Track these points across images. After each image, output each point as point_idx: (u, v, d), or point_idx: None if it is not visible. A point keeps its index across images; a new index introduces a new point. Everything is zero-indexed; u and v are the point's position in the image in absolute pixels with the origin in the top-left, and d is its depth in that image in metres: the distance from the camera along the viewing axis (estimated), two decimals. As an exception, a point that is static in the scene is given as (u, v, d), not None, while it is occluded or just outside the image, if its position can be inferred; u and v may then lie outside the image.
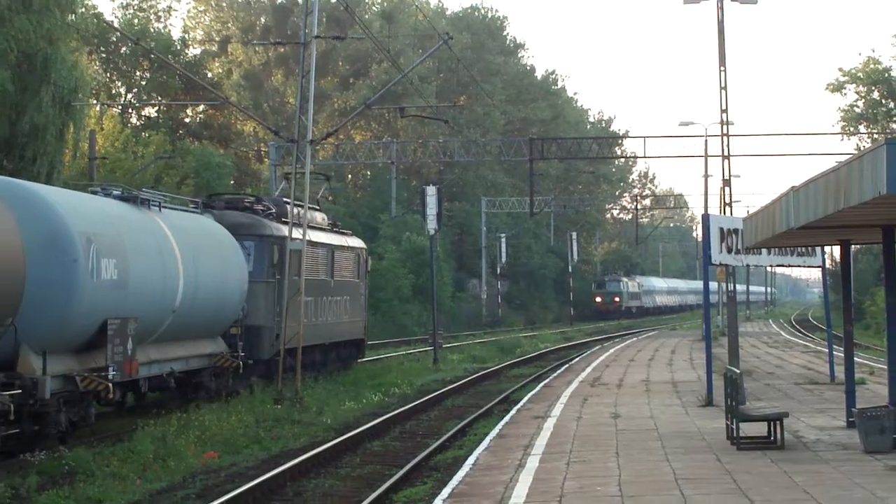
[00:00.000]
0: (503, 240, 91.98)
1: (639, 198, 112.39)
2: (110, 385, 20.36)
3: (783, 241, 20.71)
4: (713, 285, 47.62)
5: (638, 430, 19.42)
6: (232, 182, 65.85)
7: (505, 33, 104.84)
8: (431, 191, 45.05)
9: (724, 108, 34.43)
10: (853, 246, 23.57)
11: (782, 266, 30.57)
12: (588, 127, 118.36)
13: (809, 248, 25.33)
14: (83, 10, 47.99)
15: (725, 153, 35.50)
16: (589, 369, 35.61)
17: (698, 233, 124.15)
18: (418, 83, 75.93)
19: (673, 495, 13.11)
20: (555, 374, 34.81)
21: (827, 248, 31.90)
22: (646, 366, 36.94)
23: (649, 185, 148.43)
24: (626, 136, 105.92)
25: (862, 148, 59.64)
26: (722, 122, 34.97)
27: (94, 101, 55.36)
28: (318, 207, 36.76)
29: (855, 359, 19.98)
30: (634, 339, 61.55)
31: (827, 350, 31.33)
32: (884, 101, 78.28)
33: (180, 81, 65.54)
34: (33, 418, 18.97)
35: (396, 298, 66.52)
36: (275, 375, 28.85)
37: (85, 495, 16.39)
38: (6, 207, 18.95)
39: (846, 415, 18.65)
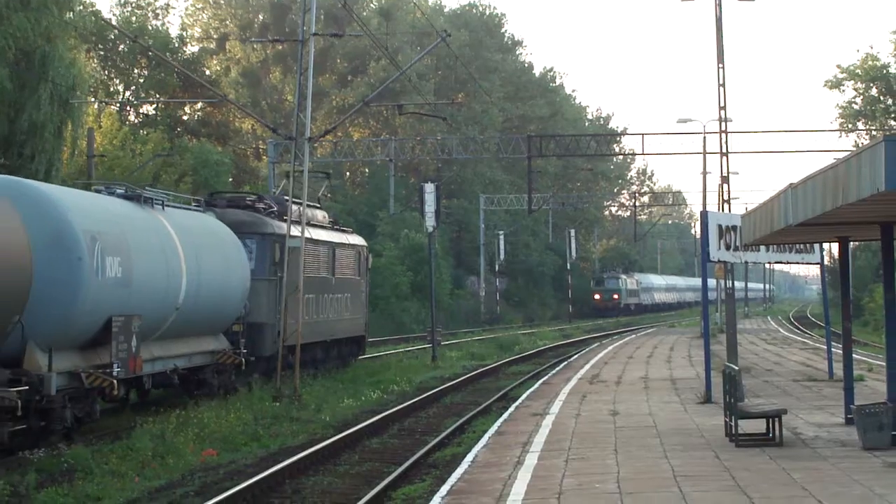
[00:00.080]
0: (501, 237, 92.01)
1: (637, 195, 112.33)
2: (115, 382, 20.64)
3: (781, 238, 20.72)
4: (711, 282, 47.63)
5: (636, 427, 19.42)
6: (230, 180, 65.80)
7: (503, 31, 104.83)
8: (430, 188, 45.06)
9: (722, 104, 34.48)
10: (851, 243, 23.60)
11: (781, 263, 30.64)
12: (586, 124, 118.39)
13: (808, 245, 25.34)
14: (81, 7, 48.00)
15: (724, 150, 35.55)
16: (587, 366, 35.62)
17: (697, 230, 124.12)
18: (416, 80, 75.83)
19: (671, 492, 13.12)
20: (553, 372, 34.83)
21: (825, 245, 31.89)
22: (644, 363, 36.95)
23: (648, 182, 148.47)
24: (624, 133, 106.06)
25: (860, 145, 59.61)
26: (720, 119, 35.03)
27: (93, 99, 55.26)
28: (319, 205, 36.92)
29: (853, 355, 19.99)
30: (633, 336, 61.56)
31: (825, 347, 31.33)
32: (882, 98, 78.27)
33: (178, 79, 65.47)
34: (40, 414, 19.23)
35: (395, 296, 66.53)
36: (282, 372, 28.95)
37: (84, 493, 16.40)
38: (12, 206, 19.19)
39: (845, 411, 18.65)
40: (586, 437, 18.22)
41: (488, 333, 67.60)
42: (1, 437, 18.14)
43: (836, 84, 78.54)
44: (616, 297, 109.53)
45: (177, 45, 69.87)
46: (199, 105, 72.20)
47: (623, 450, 16.63)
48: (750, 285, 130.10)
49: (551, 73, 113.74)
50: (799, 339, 54.19)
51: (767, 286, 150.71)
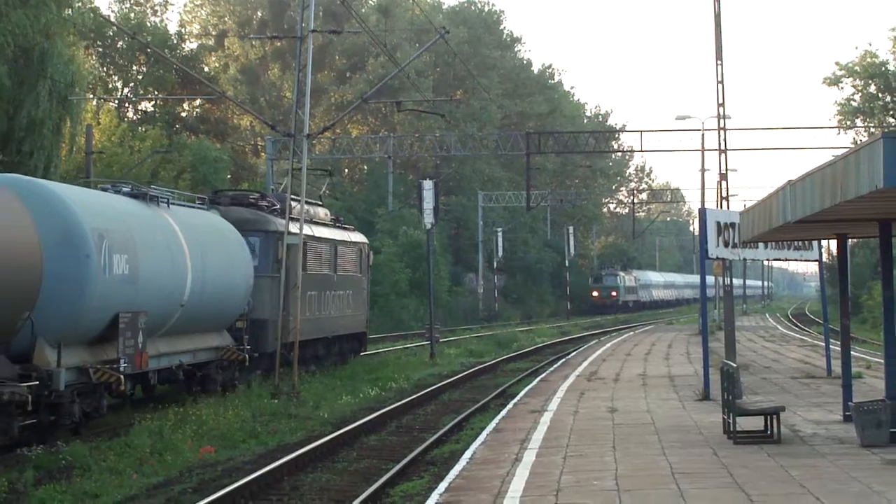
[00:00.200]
0: (500, 234, 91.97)
1: (635, 192, 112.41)
2: (122, 377, 20.96)
3: (780, 235, 20.72)
4: (710, 279, 47.66)
5: (635, 424, 19.43)
6: (228, 176, 65.77)
7: (501, 27, 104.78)
8: (428, 185, 45.04)
9: (720, 101, 34.44)
10: (850, 240, 23.57)
11: (779, 260, 30.58)
12: (585, 121, 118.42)
13: (806, 242, 25.35)
14: (80, 4, 47.84)
15: (722, 147, 35.52)
16: (586, 363, 35.63)
17: (695, 227, 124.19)
18: (415, 77, 75.76)
19: (669, 489, 13.12)
20: (551, 369, 34.84)
21: (824, 242, 31.87)
22: (642, 360, 36.96)
23: (646, 180, 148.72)
24: (622, 130, 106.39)
25: (859, 142, 59.64)
26: (719, 116, 34.98)
27: (91, 96, 55.21)
28: (320, 203, 37.04)
29: (851, 353, 19.99)
30: (631, 333, 61.57)
31: (823, 344, 31.32)
32: (881, 95, 78.21)
33: (177, 76, 65.47)
34: (49, 409, 19.51)
35: (393, 293, 66.53)
36: (280, 369, 29.01)
37: (81, 490, 16.41)
38: (23, 205, 19.52)
39: (843, 409, 18.66)
40: (584, 434, 18.23)
41: (486, 330, 67.58)
42: (11, 432, 18.38)
43: (834, 81, 78.46)
44: (614, 294, 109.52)
45: (175, 41, 69.87)
46: (198, 102, 72.21)
47: (621, 447, 16.63)
48: (748, 282, 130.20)
49: (550, 70, 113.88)
50: (797, 336, 54.22)
51: (766, 283, 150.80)
